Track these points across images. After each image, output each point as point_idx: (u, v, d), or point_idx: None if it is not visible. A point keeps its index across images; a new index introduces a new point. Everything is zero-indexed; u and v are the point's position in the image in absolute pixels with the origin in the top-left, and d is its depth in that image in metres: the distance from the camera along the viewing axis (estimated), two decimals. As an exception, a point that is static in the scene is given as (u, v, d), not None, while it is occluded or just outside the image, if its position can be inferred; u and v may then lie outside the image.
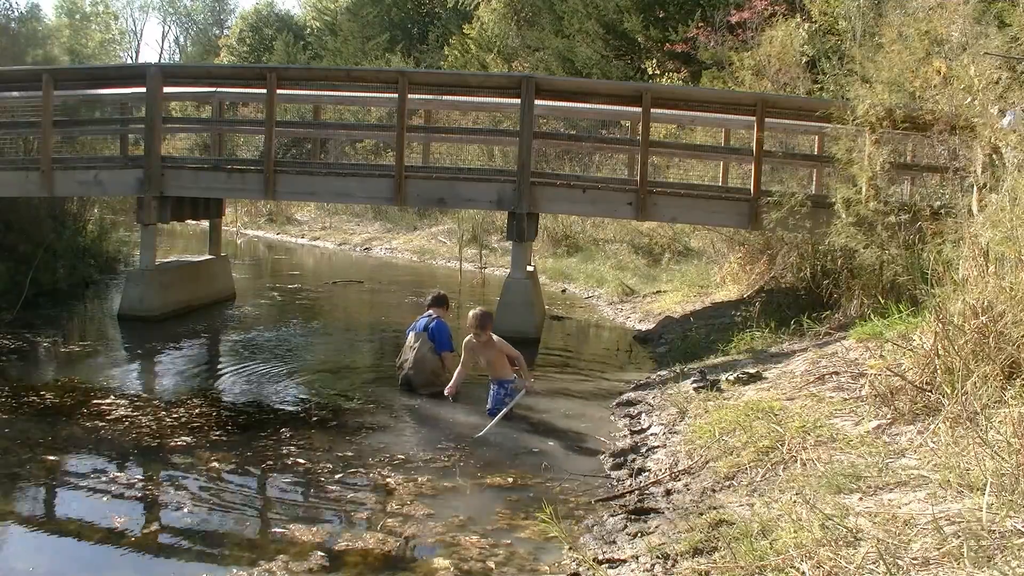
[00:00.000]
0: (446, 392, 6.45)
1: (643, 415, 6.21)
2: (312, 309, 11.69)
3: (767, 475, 4.29)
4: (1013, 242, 4.55)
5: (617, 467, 5.16)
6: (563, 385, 7.42)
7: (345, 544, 3.97)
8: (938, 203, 7.51)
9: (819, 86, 10.50)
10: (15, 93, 10.71)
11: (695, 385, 6.38)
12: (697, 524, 3.84)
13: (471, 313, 6.57)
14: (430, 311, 7.05)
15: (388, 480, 4.84)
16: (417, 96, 10.15)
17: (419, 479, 4.86)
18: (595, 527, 4.18)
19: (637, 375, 7.66)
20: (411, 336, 6.94)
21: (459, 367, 6.57)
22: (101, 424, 5.65)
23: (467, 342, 6.52)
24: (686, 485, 4.55)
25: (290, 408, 6.39)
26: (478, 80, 12.00)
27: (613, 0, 20.36)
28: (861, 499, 3.59)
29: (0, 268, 9.78)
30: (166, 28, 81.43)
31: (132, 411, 5.97)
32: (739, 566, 3.22)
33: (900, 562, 2.84)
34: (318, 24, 37.91)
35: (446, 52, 27.13)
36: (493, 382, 6.41)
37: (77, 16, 46.71)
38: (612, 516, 4.28)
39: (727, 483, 4.38)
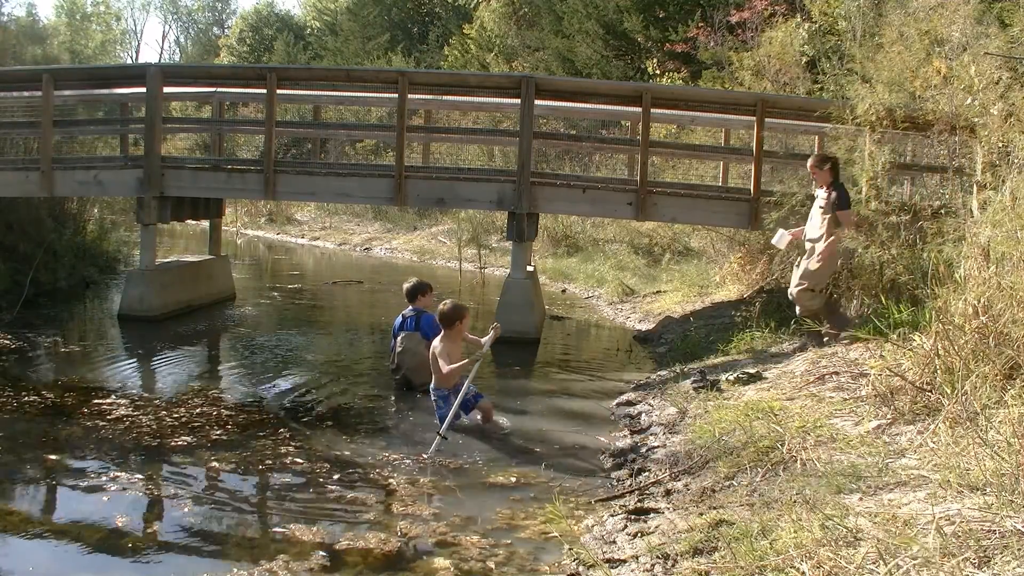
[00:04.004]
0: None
1: (643, 415, 6.21)
2: (312, 309, 11.69)
3: (767, 475, 4.29)
4: (1014, 242, 4.55)
5: (617, 467, 5.15)
6: (563, 385, 7.42)
7: (346, 544, 3.97)
8: (938, 203, 7.53)
9: (819, 86, 10.51)
10: (15, 93, 10.72)
11: (695, 385, 6.39)
12: (697, 524, 3.84)
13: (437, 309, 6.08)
14: (412, 306, 6.92)
15: (388, 480, 4.84)
16: (417, 96, 10.15)
17: (419, 479, 4.87)
18: (595, 527, 4.18)
19: (637, 375, 7.66)
20: (401, 337, 6.89)
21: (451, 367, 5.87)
22: (101, 424, 5.65)
23: (438, 346, 5.96)
24: (686, 485, 4.54)
25: (290, 408, 6.38)
26: (478, 80, 12.00)
27: (613, 0, 20.35)
28: (861, 499, 3.59)
29: (0, 268, 9.78)
30: (166, 28, 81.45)
31: (132, 411, 5.97)
32: (739, 566, 3.22)
33: (900, 562, 2.84)
34: (318, 24, 37.92)
35: (446, 52, 27.14)
36: (448, 391, 5.86)
37: (77, 16, 46.68)
38: (612, 516, 4.28)
39: (727, 483, 4.38)
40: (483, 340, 6.00)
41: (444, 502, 4.57)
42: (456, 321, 5.98)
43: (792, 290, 7.00)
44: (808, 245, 6.93)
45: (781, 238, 7.28)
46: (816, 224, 6.84)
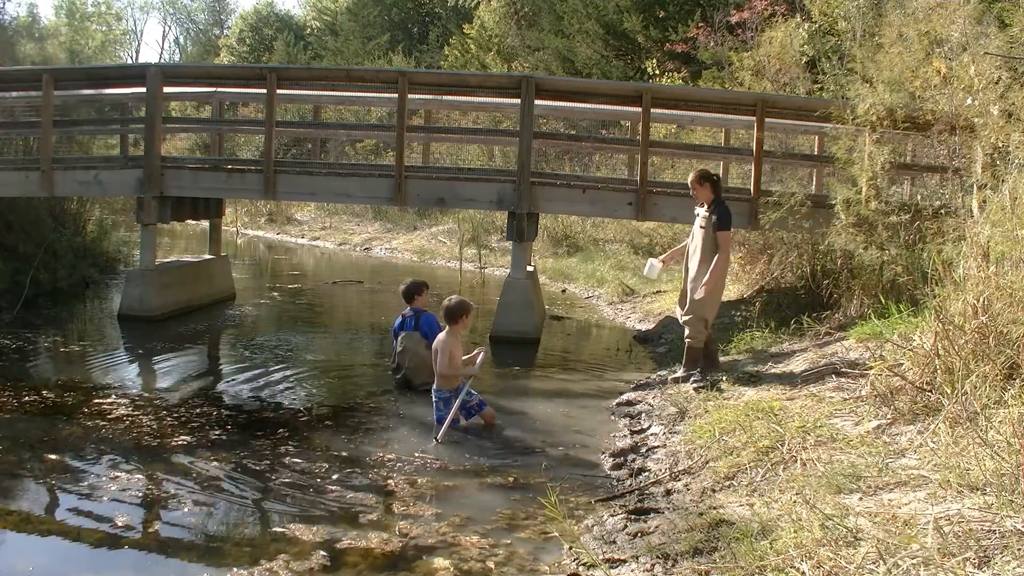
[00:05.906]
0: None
1: (643, 415, 6.21)
2: (312, 309, 11.69)
3: (767, 475, 4.29)
4: (1014, 241, 4.55)
5: (617, 467, 5.16)
6: (563, 385, 7.42)
7: (346, 544, 3.97)
8: (938, 203, 7.53)
9: (819, 86, 10.50)
10: (15, 93, 10.72)
11: (695, 385, 6.39)
12: (697, 524, 3.84)
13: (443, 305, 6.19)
14: (411, 306, 6.94)
15: (388, 480, 4.84)
16: (417, 96, 10.15)
17: (419, 479, 4.86)
18: (595, 527, 4.18)
19: (637, 375, 7.66)
20: (401, 337, 6.89)
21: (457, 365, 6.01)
22: (101, 424, 5.65)
23: (440, 342, 6.04)
24: (686, 485, 4.55)
25: (290, 408, 6.38)
26: (478, 80, 12.00)
27: (613, 0, 20.36)
28: (861, 499, 3.60)
29: (0, 268, 9.78)
30: (166, 28, 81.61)
31: (132, 411, 5.97)
32: (739, 566, 3.22)
33: (900, 562, 2.84)
34: (318, 24, 37.94)
35: (446, 52, 27.15)
36: (449, 394, 5.90)
37: (77, 16, 46.69)
38: (612, 516, 4.28)
39: (727, 483, 4.39)
40: (476, 360, 6.05)
41: (444, 502, 4.56)
42: (460, 316, 6.03)
43: (682, 318, 6.78)
44: (691, 266, 6.69)
45: (651, 268, 7.00)
46: (697, 244, 6.63)
